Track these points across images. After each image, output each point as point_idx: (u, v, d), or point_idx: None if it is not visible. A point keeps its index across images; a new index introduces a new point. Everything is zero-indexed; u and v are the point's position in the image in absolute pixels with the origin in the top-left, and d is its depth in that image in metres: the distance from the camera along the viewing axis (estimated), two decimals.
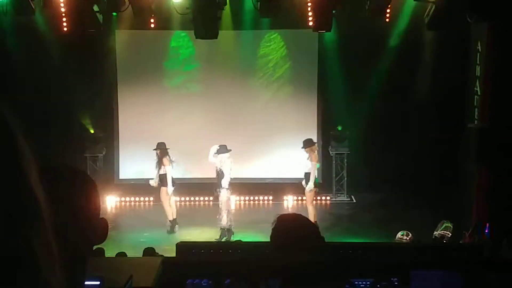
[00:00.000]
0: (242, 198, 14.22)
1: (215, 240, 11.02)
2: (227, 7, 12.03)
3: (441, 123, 13.40)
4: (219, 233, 11.59)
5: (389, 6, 11.61)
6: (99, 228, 1.48)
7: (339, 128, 14.33)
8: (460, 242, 8.69)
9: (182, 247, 5.82)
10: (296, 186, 12.78)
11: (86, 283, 1.45)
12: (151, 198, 13.86)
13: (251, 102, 14.81)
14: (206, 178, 12.88)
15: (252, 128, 14.71)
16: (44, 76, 13.70)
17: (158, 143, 12.14)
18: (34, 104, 13.39)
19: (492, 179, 10.25)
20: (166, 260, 4.83)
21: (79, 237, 1.41)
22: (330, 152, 14.42)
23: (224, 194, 11.58)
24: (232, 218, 11.79)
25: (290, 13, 12.38)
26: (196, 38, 11.78)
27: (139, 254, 8.06)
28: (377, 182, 13.88)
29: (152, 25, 12.34)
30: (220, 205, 11.70)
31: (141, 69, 14.67)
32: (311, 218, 10.74)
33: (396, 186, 13.59)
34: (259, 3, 11.38)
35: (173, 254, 5.76)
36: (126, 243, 10.55)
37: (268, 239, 2.78)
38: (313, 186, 11.84)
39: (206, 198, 13.98)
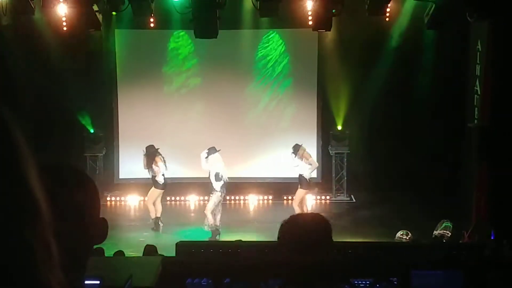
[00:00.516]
0: (242, 197, 14.21)
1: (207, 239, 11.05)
2: (227, 7, 12.01)
3: (441, 123, 13.39)
4: (211, 234, 11.59)
5: (389, 5, 11.61)
6: (99, 228, 1.48)
7: (339, 127, 14.35)
8: (460, 242, 8.69)
9: (182, 246, 5.83)
10: (296, 186, 12.76)
11: (86, 282, 1.45)
12: None
13: (251, 102, 14.80)
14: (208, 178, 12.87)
15: (252, 127, 14.70)
16: (44, 76, 13.68)
17: (146, 147, 12.30)
18: (34, 104, 13.37)
19: (492, 178, 10.24)
20: (166, 260, 4.83)
21: (78, 237, 1.40)
22: (330, 152, 14.41)
23: (216, 196, 11.59)
24: (219, 219, 11.74)
25: (289, 13, 12.38)
26: (196, 37, 11.78)
27: (139, 253, 8.06)
28: (376, 182, 13.87)
29: (152, 25, 12.35)
30: (207, 206, 11.73)
31: (141, 69, 14.65)
32: None
33: (395, 185, 13.60)
34: (258, 2, 11.37)
35: (173, 254, 5.76)
36: (126, 242, 10.55)
37: (268, 239, 2.76)
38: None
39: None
